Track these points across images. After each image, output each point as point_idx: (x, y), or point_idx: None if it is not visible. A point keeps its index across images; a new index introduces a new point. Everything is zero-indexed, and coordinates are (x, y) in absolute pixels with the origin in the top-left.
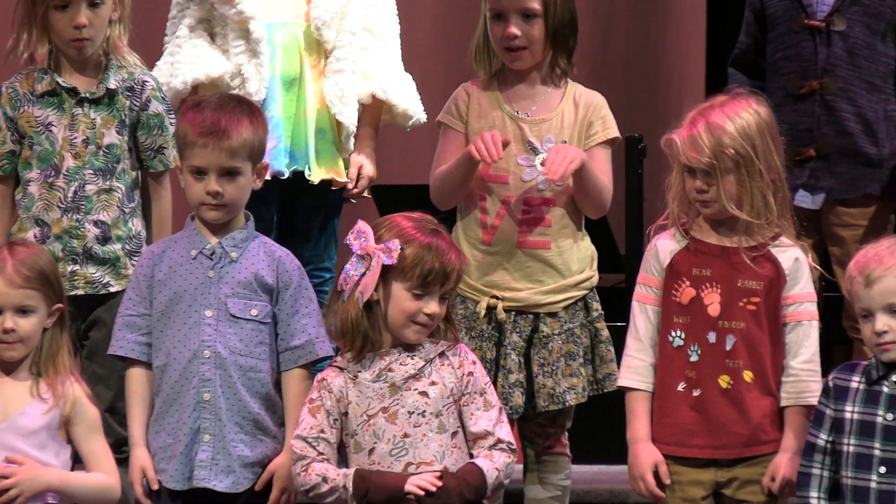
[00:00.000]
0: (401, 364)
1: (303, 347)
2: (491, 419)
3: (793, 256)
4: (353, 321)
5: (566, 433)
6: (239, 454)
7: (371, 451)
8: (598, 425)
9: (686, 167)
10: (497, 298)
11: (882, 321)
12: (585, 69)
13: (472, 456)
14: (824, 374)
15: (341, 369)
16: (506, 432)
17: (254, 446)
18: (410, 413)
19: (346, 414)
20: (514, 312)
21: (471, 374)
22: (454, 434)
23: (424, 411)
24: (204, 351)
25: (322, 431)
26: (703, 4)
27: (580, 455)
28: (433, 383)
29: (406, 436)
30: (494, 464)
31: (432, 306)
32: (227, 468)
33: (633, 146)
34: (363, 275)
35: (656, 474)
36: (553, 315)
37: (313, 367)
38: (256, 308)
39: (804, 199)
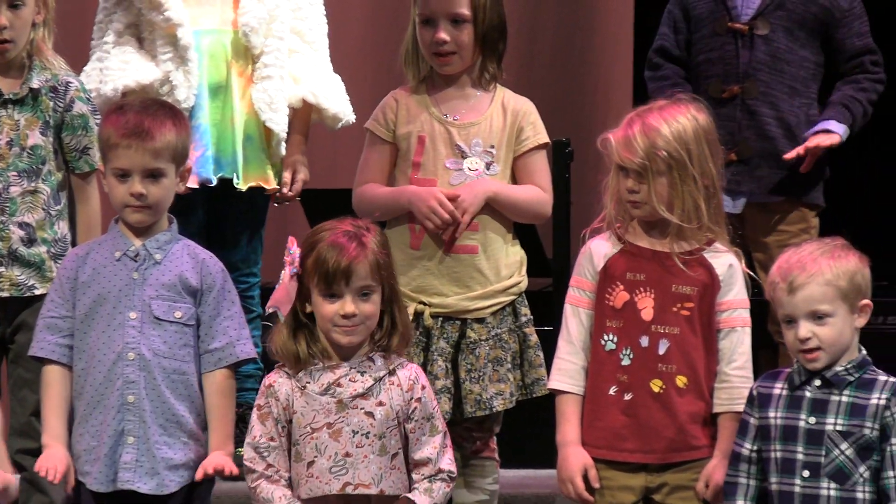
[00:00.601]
0: (350, 380)
1: (223, 350)
2: (435, 446)
3: (727, 262)
4: (281, 345)
5: (494, 437)
6: (163, 456)
7: (311, 463)
8: (527, 429)
9: (620, 167)
10: (424, 304)
11: (805, 328)
12: (513, 73)
13: (410, 479)
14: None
15: (290, 376)
16: (447, 460)
17: (178, 449)
18: (355, 433)
19: (290, 422)
20: (441, 318)
21: (419, 399)
22: (394, 455)
23: (368, 432)
24: (128, 353)
25: (272, 439)
26: (630, 9)
27: (509, 459)
28: (380, 404)
29: (347, 455)
30: (434, 499)
31: (347, 306)
32: (152, 470)
33: (560, 150)
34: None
35: (586, 478)
36: (481, 321)
37: (239, 370)
38: (180, 310)
39: (725, 204)
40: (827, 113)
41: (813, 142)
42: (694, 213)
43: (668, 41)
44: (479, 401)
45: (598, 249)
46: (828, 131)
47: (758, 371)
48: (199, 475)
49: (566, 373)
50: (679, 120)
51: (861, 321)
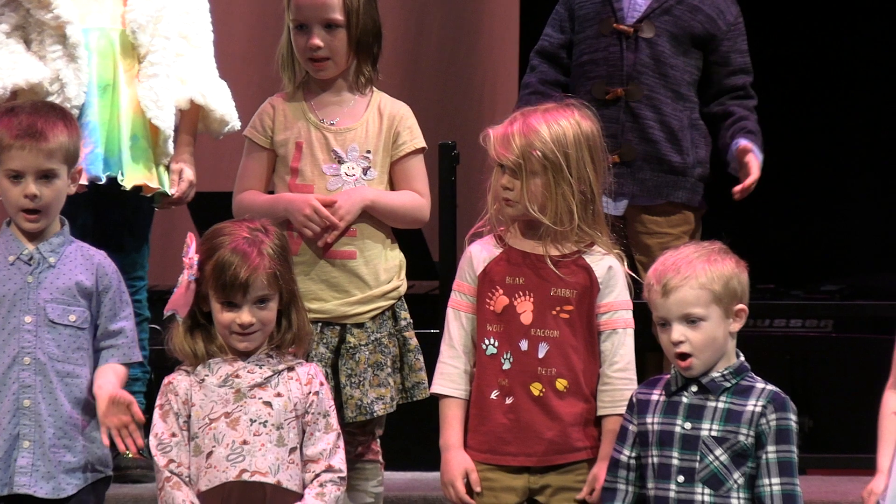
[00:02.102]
0: (248, 372)
1: (118, 349)
2: (328, 443)
3: (606, 265)
4: (179, 345)
5: (378, 440)
6: (60, 460)
7: (209, 454)
8: (412, 432)
9: (498, 164)
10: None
11: (678, 331)
12: (398, 77)
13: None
14: (638, 380)
15: (188, 373)
16: (339, 459)
17: (75, 452)
18: (252, 421)
19: (189, 416)
20: (321, 324)
21: (317, 393)
22: (292, 450)
23: (266, 421)
24: (24, 357)
25: (174, 434)
26: (516, 11)
27: (393, 462)
28: (278, 395)
29: (245, 443)
30: (326, 503)
31: (244, 317)
32: (48, 474)
33: (446, 153)
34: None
35: (468, 482)
36: (360, 326)
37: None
38: (75, 314)
39: (607, 206)
40: (753, 139)
41: (752, 179)
42: (566, 217)
43: (549, 42)
44: (360, 405)
45: (479, 254)
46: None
47: (646, 373)
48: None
49: (448, 377)
50: (560, 123)
51: (736, 326)
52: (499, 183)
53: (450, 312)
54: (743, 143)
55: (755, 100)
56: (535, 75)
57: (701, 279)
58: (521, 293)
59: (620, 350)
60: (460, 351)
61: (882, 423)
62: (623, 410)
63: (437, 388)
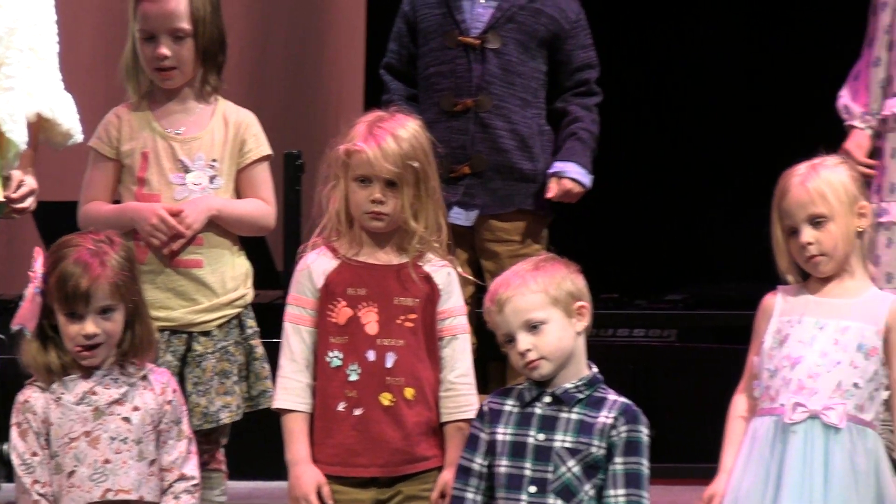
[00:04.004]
0: (105, 388)
1: None
2: (181, 451)
3: (445, 271)
4: (32, 359)
5: (222, 450)
6: None
7: (71, 473)
8: (255, 441)
9: (360, 178)
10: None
11: (524, 340)
12: (244, 86)
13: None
14: (482, 390)
15: (42, 389)
16: (192, 466)
17: None
18: (113, 439)
19: (48, 434)
20: (168, 332)
21: (170, 402)
22: (152, 462)
23: (126, 438)
24: None
25: (35, 454)
26: (362, 21)
27: (236, 471)
28: (136, 409)
29: (107, 462)
30: None
31: (88, 327)
32: None
33: (291, 162)
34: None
35: (320, 496)
36: (207, 334)
37: None
38: None
39: (458, 216)
40: (574, 150)
41: (560, 192)
42: (434, 225)
43: (394, 57)
44: (207, 413)
45: (317, 266)
46: (574, 180)
47: (489, 383)
48: None
49: (291, 391)
50: (418, 132)
51: (581, 324)
52: (361, 196)
53: (288, 327)
54: (556, 167)
55: (598, 97)
56: (394, 94)
57: (532, 286)
58: (364, 304)
59: (461, 356)
60: (302, 365)
61: (729, 424)
62: (466, 415)
63: (280, 402)
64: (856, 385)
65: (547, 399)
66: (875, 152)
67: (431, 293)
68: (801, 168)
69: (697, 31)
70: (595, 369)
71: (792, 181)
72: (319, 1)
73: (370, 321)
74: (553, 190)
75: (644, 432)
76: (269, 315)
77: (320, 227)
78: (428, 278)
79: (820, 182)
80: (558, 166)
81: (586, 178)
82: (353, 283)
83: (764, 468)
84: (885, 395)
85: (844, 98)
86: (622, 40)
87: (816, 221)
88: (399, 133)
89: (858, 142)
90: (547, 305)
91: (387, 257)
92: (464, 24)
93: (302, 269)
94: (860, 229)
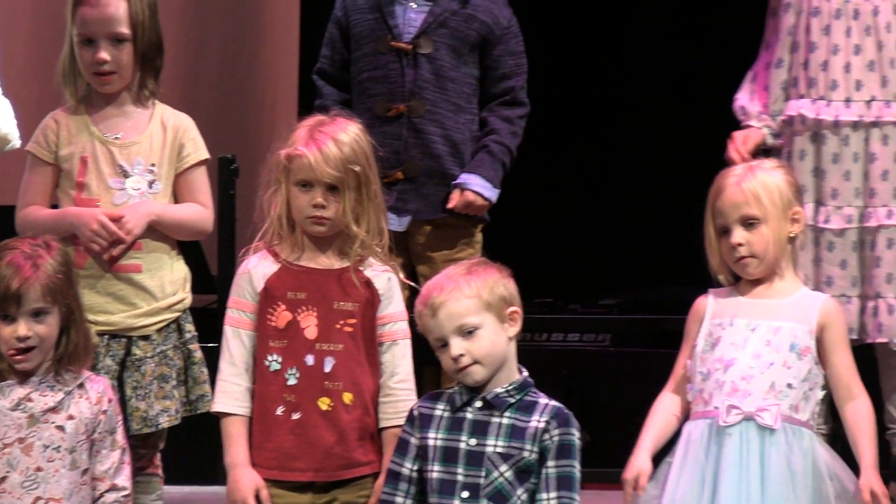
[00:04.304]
0: (41, 395)
1: None
2: (113, 461)
3: (386, 276)
4: None
5: (159, 454)
6: None
7: (3, 479)
8: (191, 446)
9: (302, 183)
10: (91, 322)
11: (457, 345)
12: (178, 90)
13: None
14: (417, 394)
15: None
16: (123, 477)
17: None
18: (46, 447)
19: None
20: (107, 336)
21: (105, 412)
22: (85, 471)
23: (59, 446)
24: None
25: None
26: (295, 26)
27: (172, 476)
28: (70, 417)
29: (39, 469)
30: None
31: (20, 329)
32: None
33: (225, 167)
34: None
35: (258, 499)
36: (146, 338)
37: None
38: None
39: (392, 222)
40: (482, 163)
41: (461, 204)
42: (376, 230)
43: (326, 62)
44: (146, 418)
45: (258, 270)
46: (477, 193)
47: (423, 387)
48: None
49: (231, 395)
50: (360, 135)
51: (513, 329)
52: (303, 201)
53: (228, 330)
54: (460, 178)
55: (523, 107)
56: (327, 99)
57: (465, 290)
58: (304, 308)
59: (401, 361)
60: (242, 368)
61: (652, 412)
62: (404, 421)
63: (220, 406)
64: (789, 385)
65: (478, 404)
66: (772, 153)
67: (372, 298)
68: (738, 169)
69: (627, 39)
70: (525, 373)
71: (728, 181)
72: (253, 5)
73: (310, 325)
74: (454, 201)
75: (576, 435)
76: (203, 319)
77: (262, 231)
78: (369, 283)
79: (755, 184)
80: (463, 178)
81: (490, 192)
82: (293, 287)
83: (700, 471)
84: (820, 394)
85: (741, 99)
86: (554, 48)
87: (749, 223)
88: (340, 137)
89: (748, 134)
90: (480, 310)
91: (328, 262)
92: (396, 29)
93: (242, 272)
94: (792, 234)
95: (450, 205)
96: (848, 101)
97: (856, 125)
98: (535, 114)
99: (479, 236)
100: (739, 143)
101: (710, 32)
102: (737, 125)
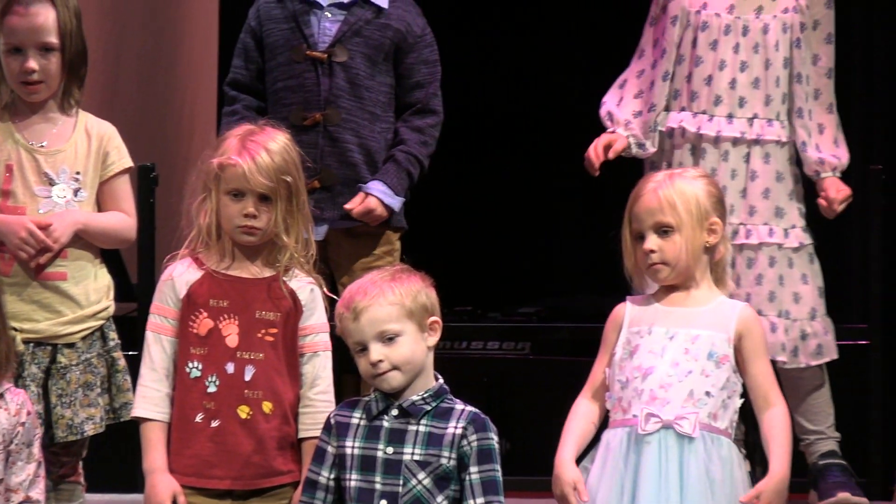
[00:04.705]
0: None
1: None
2: (29, 474)
3: (309, 288)
4: None
5: (81, 462)
6: None
7: None
8: (112, 453)
9: (233, 192)
10: (16, 330)
11: (376, 351)
12: (97, 98)
13: None
14: (336, 403)
15: None
16: (38, 490)
17: None
18: None
19: None
20: (32, 344)
21: (23, 424)
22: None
23: None
24: None
25: None
26: (214, 36)
27: (94, 483)
28: None
29: None
30: None
31: None
32: None
33: (145, 175)
34: None
35: None
36: (71, 346)
37: None
38: None
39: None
40: (388, 171)
41: (361, 209)
42: (303, 240)
43: (239, 73)
44: (71, 425)
45: (181, 276)
46: (379, 200)
47: (343, 396)
48: None
49: (151, 400)
50: (289, 146)
51: (432, 339)
52: (234, 210)
53: (150, 336)
54: (366, 185)
55: (435, 115)
56: (239, 103)
57: (389, 297)
58: (225, 316)
59: (322, 373)
60: (162, 374)
61: (570, 420)
62: None
63: (139, 411)
64: (708, 394)
65: (394, 412)
66: (641, 162)
67: (294, 309)
68: (659, 175)
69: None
70: (441, 380)
71: (646, 187)
72: (172, 14)
73: (231, 333)
74: (354, 203)
75: (494, 439)
76: (124, 328)
77: (189, 239)
78: (292, 294)
79: (672, 192)
80: (368, 185)
81: (391, 200)
82: (215, 294)
83: (619, 479)
84: (738, 402)
85: (608, 104)
86: (471, 57)
87: (662, 230)
88: (271, 147)
89: (612, 138)
90: (402, 318)
91: (254, 271)
92: (311, 38)
93: (166, 279)
94: (708, 244)
95: (349, 205)
96: (730, 116)
97: (736, 141)
98: (453, 122)
99: (397, 244)
100: (601, 145)
101: (626, 48)
102: None
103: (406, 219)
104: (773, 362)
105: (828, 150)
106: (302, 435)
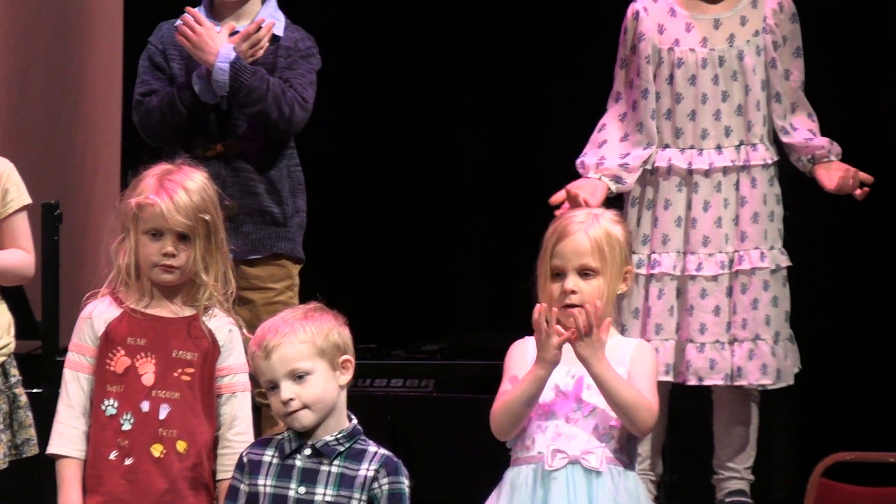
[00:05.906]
0: None
1: None
2: None
3: (228, 328)
4: None
5: None
6: None
7: None
8: (15, 490)
9: (152, 231)
10: None
11: (288, 389)
12: (1, 136)
13: None
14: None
15: None
16: None
17: None
18: None
19: None
20: None
21: None
22: None
23: None
24: None
25: None
26: (119, 73)
27: None
28: None
29: None
30: None
31: None
32: None
33: (49, 213)
34: None
35: None
36: None
37: None
38: None
39: None
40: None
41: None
42: (222, 279)
43: (153, 83)
44: None
45: (99, 314)
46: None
47: (261, 432)
48: None
49: (67, 438)
50: (206, 185)
51: (344, 378)
52: (152, 249)
53: (67, 374)
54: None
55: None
56: (152, 85)
57: (300, 335)
58: (143, 354)
59: (240, 413)
60: (79, 412)
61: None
62: None
63: (55, 448)
64: (612, 427)
65: (307, 451)
66: (625, 199)
67: (212, 349)
68: (580, 215)
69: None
70: (355, 421)
71: (572, 225)
72: (77, 53)
73: (147, 372)
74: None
75: (405, 483)
76: (28, 365)
77: (109, 279)
78: (211, 334)
79: (601, 235)
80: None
81: (222, 63)
82: (133, 332)
83: None
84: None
85: (588, 156)
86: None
87: (585, 273)
88: (189, 186)
89: (595, 186)
90: (313, 356)
91: (174, 310)
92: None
93: (85, 317)
94: (621, 292)
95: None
96: (719, 147)
97: (727, 170)
98: (355, 160)
99: (297, 279)
100: (587, 194)
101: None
102: (562, 174)
103: (308, 255)
104: (741, 387)
105: (825, 138)
106: (220, 476)
